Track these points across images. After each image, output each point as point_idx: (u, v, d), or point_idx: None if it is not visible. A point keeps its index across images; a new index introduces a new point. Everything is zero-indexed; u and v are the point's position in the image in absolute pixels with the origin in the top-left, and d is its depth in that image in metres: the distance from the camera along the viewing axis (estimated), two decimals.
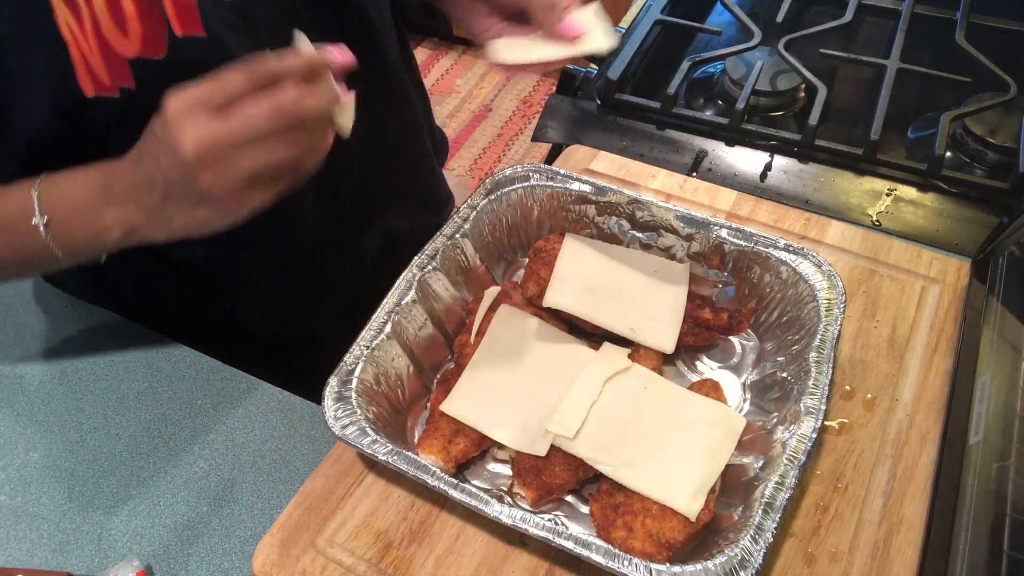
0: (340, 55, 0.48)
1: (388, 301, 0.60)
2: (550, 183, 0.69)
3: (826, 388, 0.54)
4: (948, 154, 0.83)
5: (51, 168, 0.56)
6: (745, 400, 0.61)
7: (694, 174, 0.84)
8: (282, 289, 0.77)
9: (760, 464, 0.54)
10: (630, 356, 0.62)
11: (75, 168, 0.53)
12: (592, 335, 0.64)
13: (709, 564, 0.47)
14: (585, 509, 0.55)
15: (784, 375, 0.59)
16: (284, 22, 0.60)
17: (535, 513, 0.53)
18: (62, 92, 0.52)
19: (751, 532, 0.48)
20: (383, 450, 0.53)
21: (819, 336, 0.57)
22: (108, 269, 0.67)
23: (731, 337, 0.65)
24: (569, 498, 0.56)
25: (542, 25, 0.61)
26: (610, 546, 0.49)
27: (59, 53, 0.50)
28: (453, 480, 0.51)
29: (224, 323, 0.78)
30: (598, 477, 0.55)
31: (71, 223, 0.53)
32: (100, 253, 0.55)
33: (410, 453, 0.53)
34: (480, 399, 0.59)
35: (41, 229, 0.52)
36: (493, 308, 0.65)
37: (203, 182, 0.46)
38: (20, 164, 0.56)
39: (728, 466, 0.55)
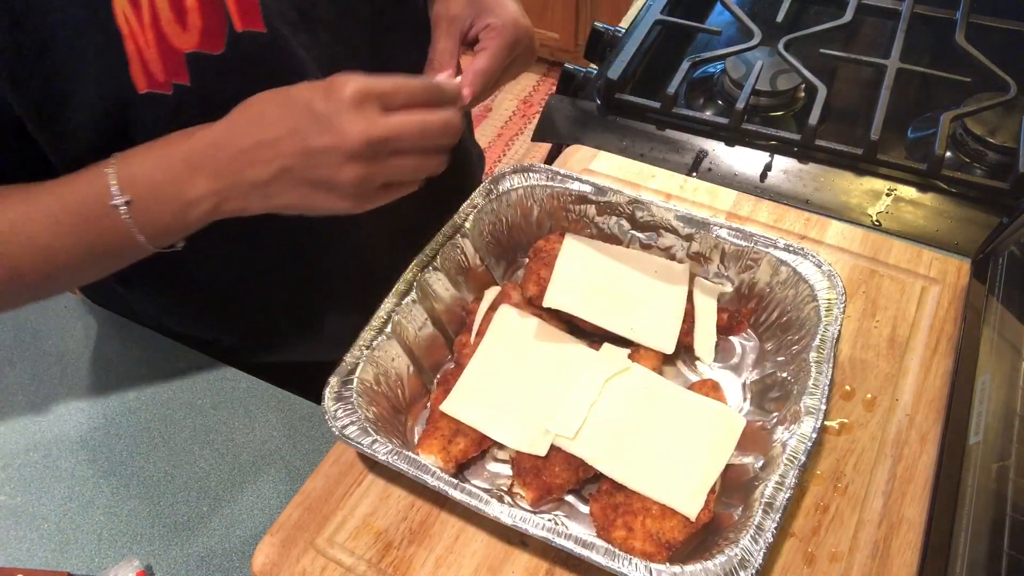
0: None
1: (388, 301, 0.60)
2: (550, 183, 0.69)
3: (826, 388, 0.54)
4: (948, 154, 0.83)
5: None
6: (745, 400, 0.61)
7: (694, 174, 0.84)
8: (322, 311, 0.76)
9: (760, 464, 0.54)
10: (630, 356, 0.62)
11: (148, 143, 0.51)
12: (592, 335, 0.64)
13: (709, 564, 0.47)
14: (585, 509, 0.55)
15: (784, 375, 0.59)
16: (343, 22, 0.59)
17: (535, 513, 0.53)
18: (113, 87, 0.50)
19: (751, 532, 0.48)
20: (383, 450, 0.53)
21: (819, 336, 0.57)
22: (126, 281, 0.66)
23: (731, 337, 0.65)
24: (569, 498, 0.56)
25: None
26: (610, 546, 0.49)
27: (114, 46, 0.48)
28: (453, 480, 0.51)
29: (252, 342, 0.77)
30: (598, 477, 0.55)
31: (155, 200, 0.50)
32: (184, 232, 0.53)
33: (410, 453, 0.53)
34: (480, 399, 0.59)
35: (122, 210, 0.49)
36: (493, 308, 0.65)
37: (346, 174, 0.46)
38: (74, 161, 0.54)
39: (728, 466, 0.55)
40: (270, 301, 0.73)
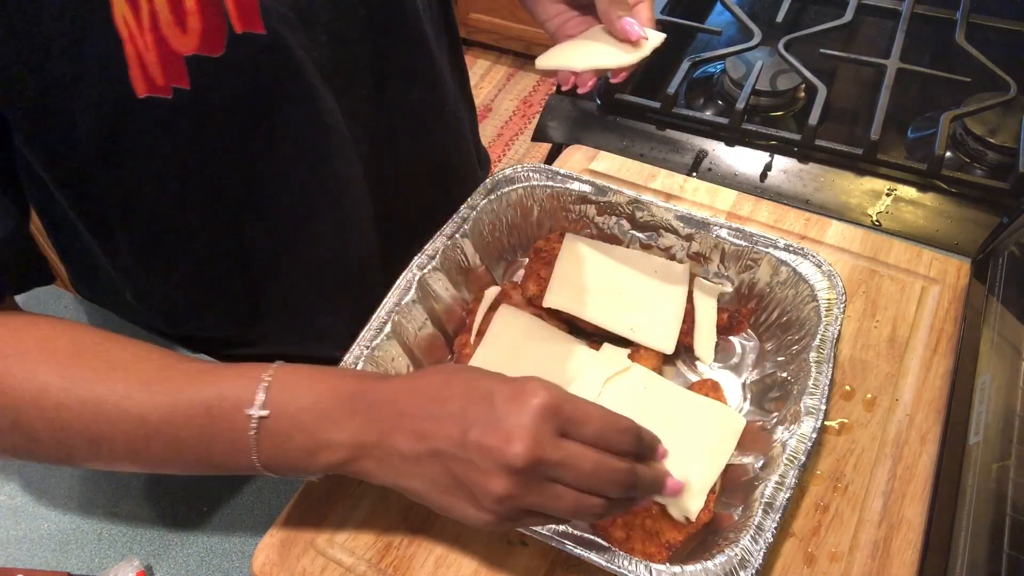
0: None
1: (388, 301, 0.60)
2: (550, 183, 0.69)
3: (826, 388, 0.54)
4: (948, 154, 0.83)
5: (89, 182, 0.52)
6: (745, 400, 0.61)
7: (694, 174, 0.84)
8: (314, 309, 0.75)
9: (760, 464, 0.54)
10: (630, 356, 0.62)
11: (312, 372, 0.48)
12: (592, 335, 0.64)
13: (709, 564, 0.47)
14: None
15: (784, 375, 0.59)
16: (340, 23, 0.59)
17: None
18: (111, 93, 0.49)
19: (751, 532, 0.48)
20: None
21: (819, 336, 0.57)
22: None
23: (731, 337, 0.65)
24: None
25: (603, 19, 0.57)
26: (610, 546, 0.49)
27: (113, 51, 0.47)
28: None
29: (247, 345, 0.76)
30: None
31: (293, 425, 0.46)
32: (298, 474, 0.49)
33: None
34: None
35: (254, 421, 0.45)
36: (493, 308, 0.65)
37: (495, 485, 0.40)
38: (66, 175, 0.53)
39: (728, 466, 0.55)
40: (260, 292, 0.72)
